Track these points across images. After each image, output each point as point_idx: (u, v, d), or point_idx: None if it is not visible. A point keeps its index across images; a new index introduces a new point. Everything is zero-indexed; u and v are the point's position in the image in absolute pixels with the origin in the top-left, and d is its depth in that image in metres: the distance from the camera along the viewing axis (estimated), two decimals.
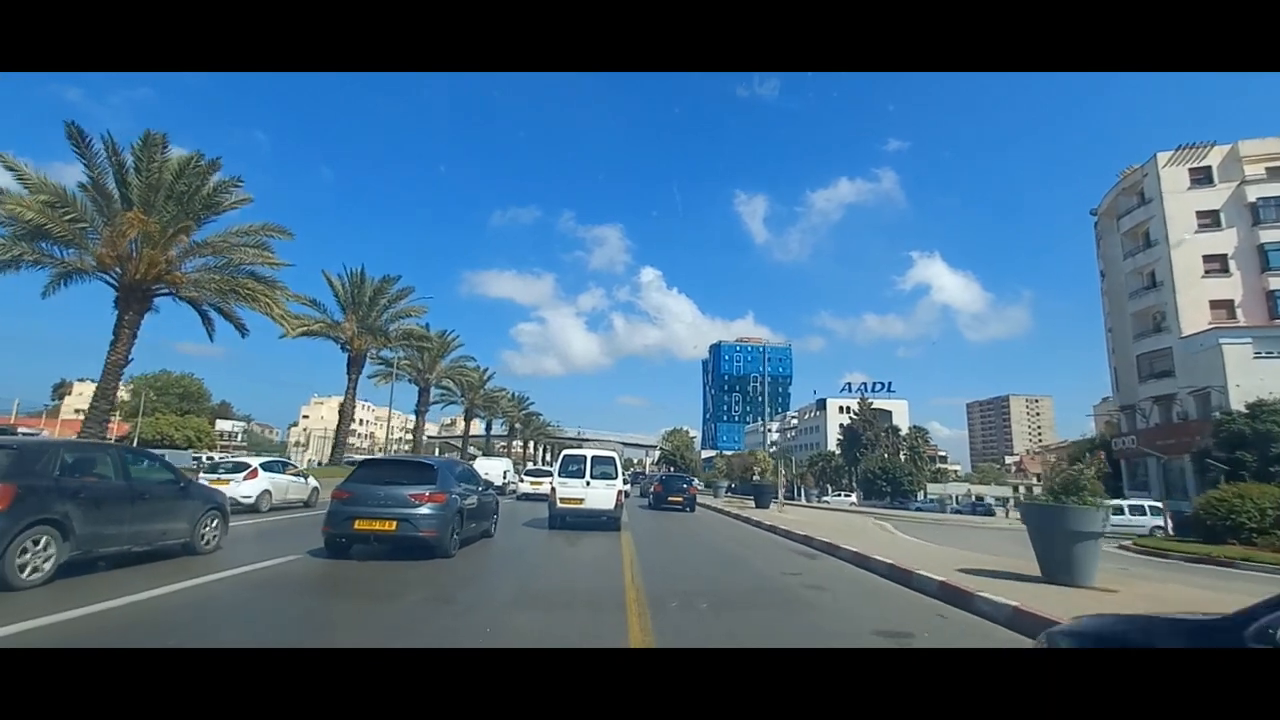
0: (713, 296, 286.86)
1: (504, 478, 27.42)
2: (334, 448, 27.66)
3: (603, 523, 13.28)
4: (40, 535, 5.68)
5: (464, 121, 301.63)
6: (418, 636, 4.81)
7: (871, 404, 69.27)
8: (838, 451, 76.74)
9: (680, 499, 22.40)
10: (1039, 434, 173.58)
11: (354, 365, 27.88)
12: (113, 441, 19.54)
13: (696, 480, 34.77)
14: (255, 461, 15.10)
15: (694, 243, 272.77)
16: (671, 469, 66.94)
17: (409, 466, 9.34)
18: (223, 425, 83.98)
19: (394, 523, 8.14)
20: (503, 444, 79.16)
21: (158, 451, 12.50)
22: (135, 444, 65.77)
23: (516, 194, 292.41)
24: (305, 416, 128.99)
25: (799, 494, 52.33)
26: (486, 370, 50.73)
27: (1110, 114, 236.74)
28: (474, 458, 37.40)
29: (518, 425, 73.40)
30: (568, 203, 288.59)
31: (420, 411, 38.78)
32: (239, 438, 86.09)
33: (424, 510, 8.30)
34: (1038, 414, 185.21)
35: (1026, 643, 4.79)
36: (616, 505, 13.28)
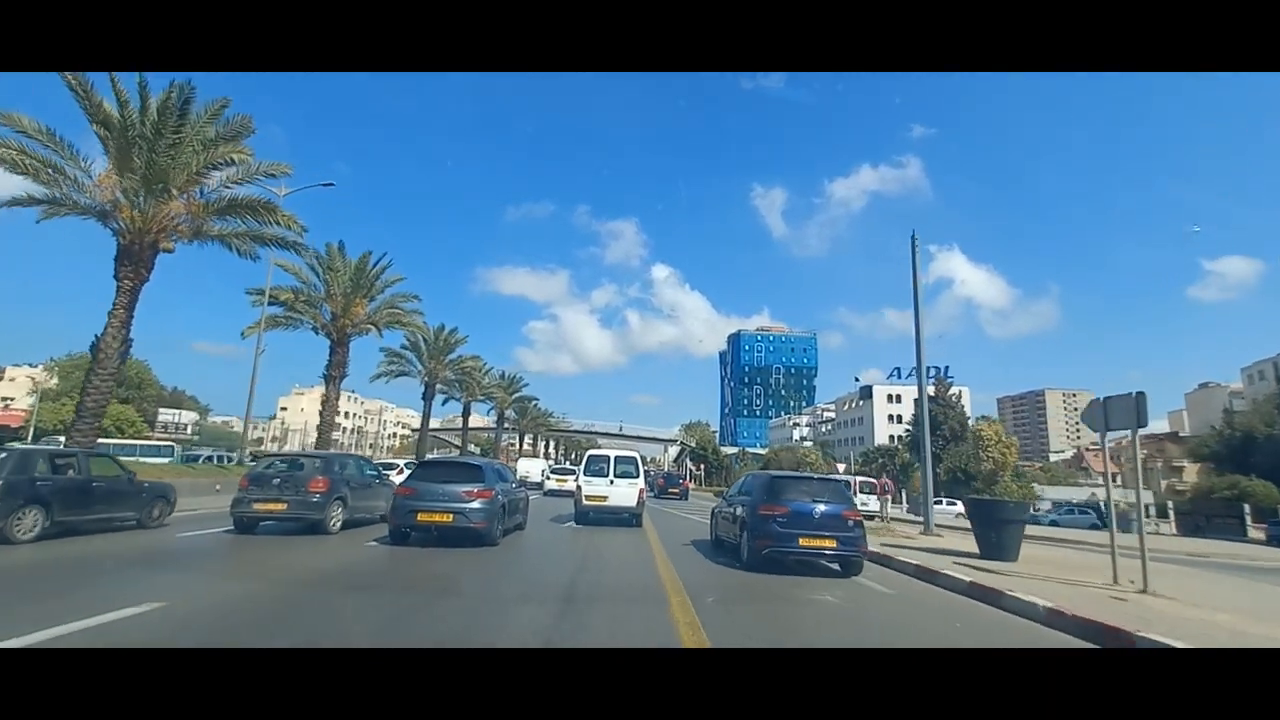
0: (728, 292, 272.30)
1: (541, 475, 31.20)
2: (75, 418, 14.13)
3: (624, 519, 14.05)
4: (337, 505, 10.35)
5: (478, 116, 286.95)
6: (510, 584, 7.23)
7: (951, 385, 54.88)
8: (901, 446, 62.51)
9: (676, 490, 33.96)
10: (1077, 430, 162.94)
11: (129, 261, 14.34)
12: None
13: (685, 481, 39.85)
14: (401, 463, 24.05)
15: (709, 237, 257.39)
16: (701, 466, 53.70)
17: (460, 467, 10.68)
18: (168, 416, 71.57)
19: (450, 515, 9.34)
20: (507, 439, 66.00)
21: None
22: (32, 434, 53.86)
23: (531, 189, 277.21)
24: (283, 409, 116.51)
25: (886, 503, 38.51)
26: (452, 331, 37.24)
27: (1151, 106, 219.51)
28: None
29: (508, 412, 59.82)
30: (583, 197, 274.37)
31: (332, 377, 25.25)
32: (189, 430, 73.26)
33: (475, 505, 9.47)
34: (1075, 409, 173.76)
35: None
36: (638, 503, 14.02)
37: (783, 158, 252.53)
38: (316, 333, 25.57)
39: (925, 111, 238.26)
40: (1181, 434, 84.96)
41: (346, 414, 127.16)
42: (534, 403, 65.29)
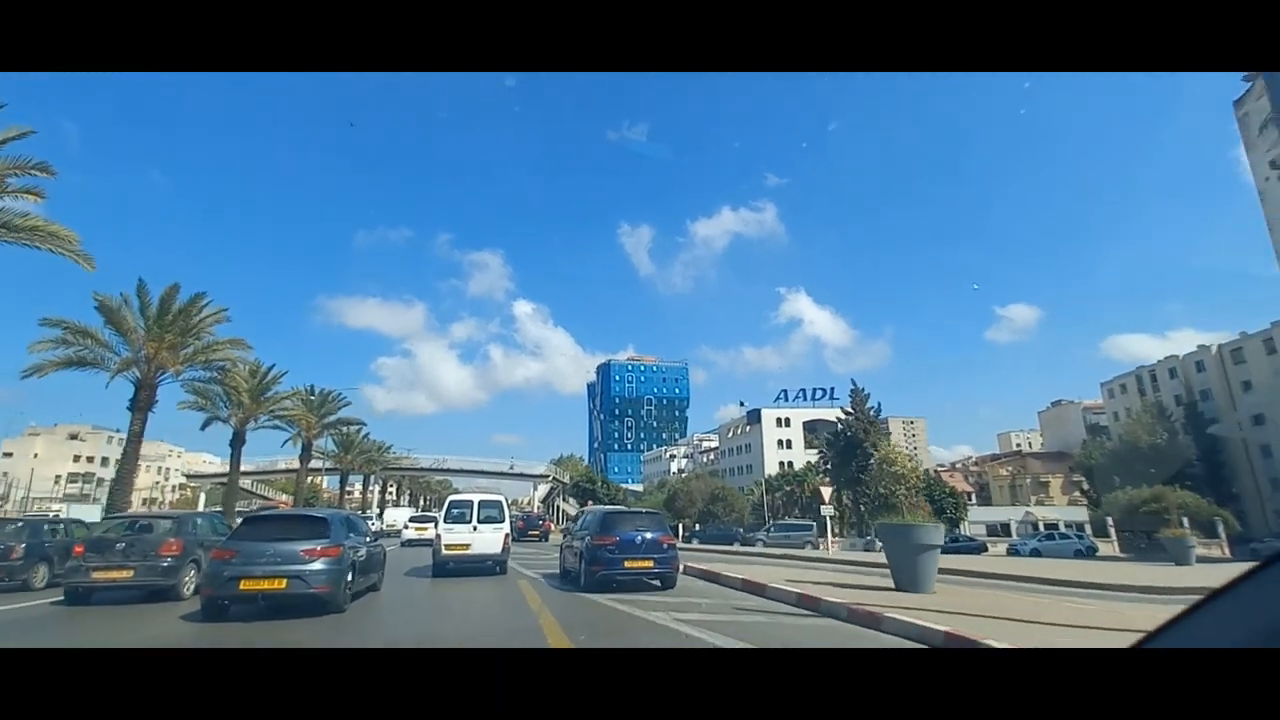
0: (593, 329, 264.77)
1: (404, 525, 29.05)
2: None
3: (488, 567, 13.22)
4: (191, 569, 9.79)
5: (324, 128, 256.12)
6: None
7: (866, 399, 48.36)
8: (812, 471, 54.98)
9: (536, 532, 32.65)
10: (915, 454, 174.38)
11: None
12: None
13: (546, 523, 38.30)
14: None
15: (576, 271, 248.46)
16: (589, 503, 41.91)
17: (299, 521, 8.97)
18: None
19: (284, 580, 7.65)
20: (327, 481, 47.59)
21: None
22: None
23: (386, 213, 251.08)
24: (8, 455, 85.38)
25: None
26: (197, 297, 22.39)
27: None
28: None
29: (321, 443, 43.67)
30: (445, 224, 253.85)
31: None
32: None
33: (317, 565, 7.87)
34: (914, 434, 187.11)
35: None
36: (503, 549, 13.19)
37: (650, 198, 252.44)
38: None
39: (776, 162, 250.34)
40: (1062, 451, 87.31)
41: (105, 460, 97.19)
42: (360, 431, 49.25)
